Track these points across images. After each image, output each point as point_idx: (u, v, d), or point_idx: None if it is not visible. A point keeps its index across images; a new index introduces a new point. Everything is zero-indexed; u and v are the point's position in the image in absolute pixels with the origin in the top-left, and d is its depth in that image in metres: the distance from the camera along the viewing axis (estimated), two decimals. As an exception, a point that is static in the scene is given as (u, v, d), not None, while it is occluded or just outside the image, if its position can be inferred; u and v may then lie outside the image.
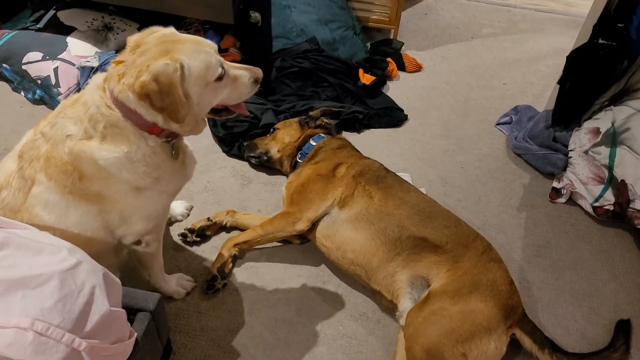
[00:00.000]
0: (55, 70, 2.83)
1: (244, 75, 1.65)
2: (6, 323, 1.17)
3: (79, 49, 2.91)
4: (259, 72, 1.69)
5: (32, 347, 1.17)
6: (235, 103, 1.72)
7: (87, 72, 2.82)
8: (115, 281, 1.46)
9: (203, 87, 1.53)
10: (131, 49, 1.52)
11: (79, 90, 2.88)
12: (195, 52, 1.49)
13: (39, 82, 2.85)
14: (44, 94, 2.87)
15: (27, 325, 1.17)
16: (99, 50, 2.93)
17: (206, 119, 1.72)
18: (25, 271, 1.25)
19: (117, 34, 3.05)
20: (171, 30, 1.57)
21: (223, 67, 1.57)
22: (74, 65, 2.85)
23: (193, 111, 1.56)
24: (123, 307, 1.48)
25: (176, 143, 1.66)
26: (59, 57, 2.86)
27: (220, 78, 1.56)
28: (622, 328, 2.04)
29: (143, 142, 1.55)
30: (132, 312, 1.57)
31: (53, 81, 2.82)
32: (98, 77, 1.57)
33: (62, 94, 2.83)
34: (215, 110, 1.71)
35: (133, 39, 1.55)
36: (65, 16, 3.03)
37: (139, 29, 3.12)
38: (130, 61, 1.47)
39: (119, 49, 3.02)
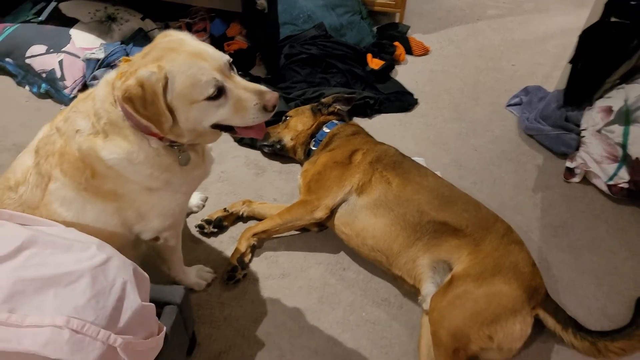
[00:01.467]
0: (60, 63, 2.79)
1: (250, 99, 1.46)
2: (41, 322, 1.16)
3: (83, 41, 2.87)
4: (271, 98, 1.48)
5: (68, 345, 1.15)
6: (240, 126, 1.53)
7: (93, 64, 2.78)
8: (144, 276, 1.44)
9: (188, 104, 1.41)
10: (147, 48, 1.47)
11: (84, 83, 2.85)
12: (186, 66, 1.38)
13: (44, 75, 2.82)
14: (50, 88, 2.83)
15: (63, 324, 1.16)
16: (104, 42, 2.90)
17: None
18: (55, 269, 1.23)
19: (121, 24, 3.01)
20: (182, 36, 1.48)
21: (219, 87, 1.42)
22: (79, 57, 2.82)
23: (184, 126, 1.46)
24: (150, 302, 1.48)
25: (183, 148, 1.57)
26: (63, 49, 2.82)
27: (212, 98, 1.42)
28: (643, 305, 2.05)
29: (145, 143, 1.48)
30: (158, 306, 1.56)
31: (58, 74, 2.79)
32: (112, 73, 1.52)
33: (68, 87, 2.80)
34: (221, 127, 1.53)
35: (156, 38, 1.51)
36: (67, 8, 2.98)
37: (143, 19, 3.10)
38: (134, 61, 1.43)
39: (124, 39, 2.98)
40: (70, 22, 2.93)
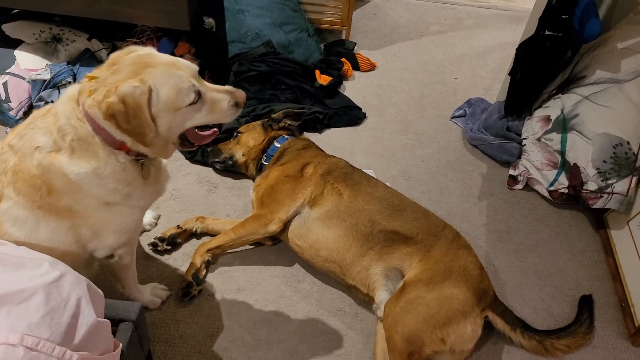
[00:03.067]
0: (5, 85, 2.74)
1: (223, 98, 1.58)
2: (-6, 340, 1.15)
3: (28, 62, 2.83)
4: (240, 95, 1.62)
5: (23, 362, 1.14)
6: (206, 123, 1.63)
7: (39, 85, 2.75)
8: (98, 292, 1.44)
9: (173, 112, 1.48)
10: (108, 65, 1.48)
11: (30, 104, 2.80)
12: (166, 76, 1.45)
13: (-13, 98, 2.76)
14: (-6, 110, 2.78)
15: (17, 341, 1.15)
16: (49, 63, 2.86)
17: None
18: (7, 287, 1.22)
19: (67, 45, 2.98)
20: (148, 50, 1.52)
21: (198, 92, 1.50)
22: (24, 78, 2.78)
23: (162, 135, 1.52)
24: (105, 318, 1.48)
25: (146, 162, 1.61)
26: (7, 71, 2.77)
27: (193, 103, 1.50)
28: (585, 303, 2.16)
29: (113, 158, 1.51)
30: (113, 323, 1.55)
31: (3, 96, 2.73)
32: (72, 89, 1.52)
33: (13, 109, 2.74)
34: (182, 138, 1.63)
35: (112, 56, 1.52)
36: (11, 29, 2.93)
37: (89, 39, 3.08)
38: (102, 78, 1.44)
39: (70, 60, 2.95)
40: (15, 44, 2.88)
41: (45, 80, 2.74)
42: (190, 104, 1.50)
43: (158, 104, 1.44)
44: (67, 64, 2.86)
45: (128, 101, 1.37)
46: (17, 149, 1.49)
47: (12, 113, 2.74)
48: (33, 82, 2.76)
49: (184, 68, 1.50)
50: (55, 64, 2.86)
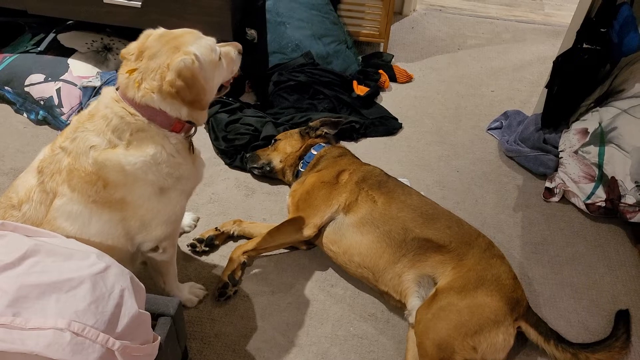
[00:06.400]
0: (58, 91, 2.89)
1: (231, 50, 1.77)
2: (44, 324, 1.22)
3: (81, 70, 2.97)
4: (238, 44, 1.82)
5: (70, 346, 1.21)
6: (228, 79, 1.83)
7: (89, 92, 2.88)
8: (140, 285, 1.51)
9: (213, 69, 1.65)
10: (136, 57, 1.57)
11: (81, 110, 2.93)
12: (197, 40, 1.61)
13: (42, 103, 2.91)
14: (47, 115, 2.92)
15: (64, 326, 1.22)
16: (100, 71, 3.00)
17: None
18: (57, 276, 1.30)
19: (117, 54, 3.12)
20: (161, 30, 1.64)
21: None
22: (76, 85, 2.92)
23: (211, 94, 1.70)
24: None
25: (191, 139, 1.75)
26: (61, 78, 2.92)
27: (219, 57, 1.68)
28: (622, 318, 2.11)
29: (167, 142, 1.62)
30: (153, 318, 1.60)
31: (56, 102, 2.88)
32: (109, 91, 1.62)
33: (65, 114, 2.88)
34: None
35: (133, 46, 1.61)
36: (66, 39, 3.09)
37: (137, 49, 3.21)
38: (143, 67, 1.54)
39: (119, 68, 3.08)
40: (68, 52, 3.04)
41: (95, 87, 2.87)
42: (219, 59, 1.68)
43: (205, 65, 1.58)
44: (117, 72, 2.99)
45: (184, 74, 1.50)
46: (70, 150, 1.57)
47: (63, 118, 2.88)
48: (84, 88, 2.90)
49: (199, 32, 1.67)
50: (106, 72, 3.00)
